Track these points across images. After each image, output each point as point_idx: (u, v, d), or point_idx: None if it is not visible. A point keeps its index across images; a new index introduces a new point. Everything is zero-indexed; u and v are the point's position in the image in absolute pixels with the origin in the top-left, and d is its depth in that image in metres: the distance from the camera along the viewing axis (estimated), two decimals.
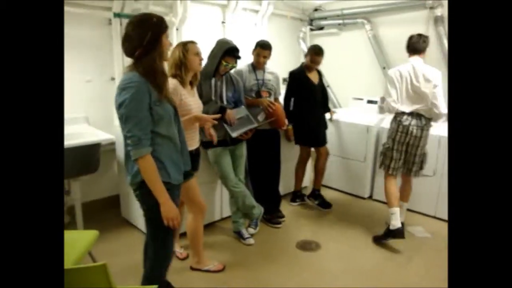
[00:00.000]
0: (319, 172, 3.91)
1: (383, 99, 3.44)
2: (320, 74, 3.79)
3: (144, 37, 1.65)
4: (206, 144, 2.83)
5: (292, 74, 3.70)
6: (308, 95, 3.64)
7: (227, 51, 2.78)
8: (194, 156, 2.40)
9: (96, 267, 1.22)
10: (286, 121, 3.44)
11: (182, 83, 2.33)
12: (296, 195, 4.04)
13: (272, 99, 3.33)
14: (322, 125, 3.83)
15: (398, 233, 3.01)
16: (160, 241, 1.94)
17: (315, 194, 3.95)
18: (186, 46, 2.34)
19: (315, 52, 3.56)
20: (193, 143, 2.40)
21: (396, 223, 3.01)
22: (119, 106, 1.65)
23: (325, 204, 3.86)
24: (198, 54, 2.36)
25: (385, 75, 2.85)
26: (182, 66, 2.32)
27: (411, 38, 3.03)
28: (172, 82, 2.29)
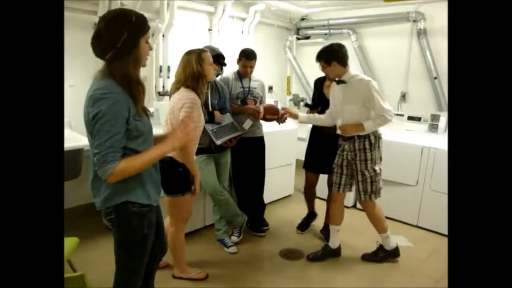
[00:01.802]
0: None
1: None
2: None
3: (118, 38, 1.42)
4: None
5: (315, 81, 3.38)
6: (321, 109, 3.18)
7: (212, 58, 2.77)
8: None
9: (74, 277, 1.19)
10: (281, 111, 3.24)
11: (200, 96, 2.29)
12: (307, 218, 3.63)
13: None
14: (330, 149, 3.07)
15: (398, 252, 3.02)
16: (127, 278, 1.69)
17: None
18: (201, 56, 2.29)
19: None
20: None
21: (393, 243, 3.01)
22: (92, 119, 1.41)
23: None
24: (212, 63, 2.33)
25: (372, 87, 2.67)
26: (199, 78, 2.27)
27: (342, 48, 2.73)
28: (191, 96, 2.25)
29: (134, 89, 1.49)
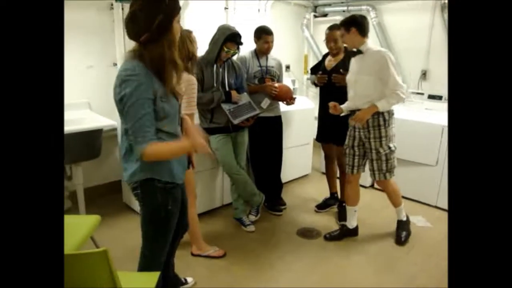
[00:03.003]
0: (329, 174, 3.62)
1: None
2: (345, 58, 3.12)
3: (153, 21, 1.42)
4: (207, 130, 2.84)
5: (323, 55, 3.45)
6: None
7: (228, 37, 2.75)
8: None
9: (97, 253, 1.22)
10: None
11: (193, 76, 2.34)
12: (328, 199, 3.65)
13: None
14: (332, 120, 3.13)
15: (409, 220, 3.11)
16: (152, 252, 1.76)
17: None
18: (191, 37, 2.31)
19: (328, 28, 3.16)
20: None
21: (404, 214, 3.07)
22: (119, 101, 1.47)
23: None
24: (196, 43, 2.37)
25: (389, 59, 2.64)
26: (192, 59, 2.30)
27: (363, 18, 2.73)
28: (190, 78, 2.28)
29: (166, 70, 1.51)
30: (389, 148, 2.77)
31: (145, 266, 1.77)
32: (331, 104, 2.88)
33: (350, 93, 2.83)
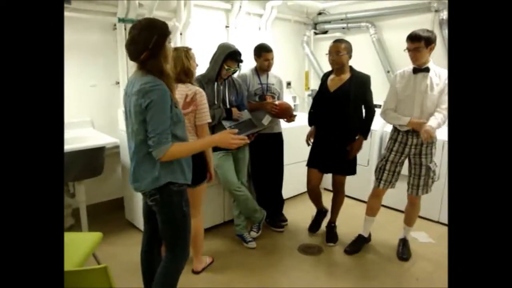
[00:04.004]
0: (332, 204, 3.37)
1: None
2: (351, 79, 2.97)
3: (150, 41, 1.68)
4: None
5: (322, 76, 3.22)
6: (319, 103, 3.13)
7: (229, 55, 2.80)
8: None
9: (97, 269, 1.24)
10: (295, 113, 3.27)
11: None
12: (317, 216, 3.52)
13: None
14: (331, 147, 3.06)
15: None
16: (174, 255, 1.92)
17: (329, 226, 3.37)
18: (189, 53, 2.39)
19: (333, 41, 2.97)
20: None
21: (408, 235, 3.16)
22: (145, 109, 1.66)
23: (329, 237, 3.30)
24: (195, 61, 2.46)
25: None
26: (188, 73, 2.37)
27: (432, 33, 2.63)
28: (200, 90, 2.37)
29: (169, 79, 1.75)
30: (435, 163, 2.83)
31: (166, 270, 1.93)
32: (425, 133, 2.52)
33: (416, 111, 2.70)
